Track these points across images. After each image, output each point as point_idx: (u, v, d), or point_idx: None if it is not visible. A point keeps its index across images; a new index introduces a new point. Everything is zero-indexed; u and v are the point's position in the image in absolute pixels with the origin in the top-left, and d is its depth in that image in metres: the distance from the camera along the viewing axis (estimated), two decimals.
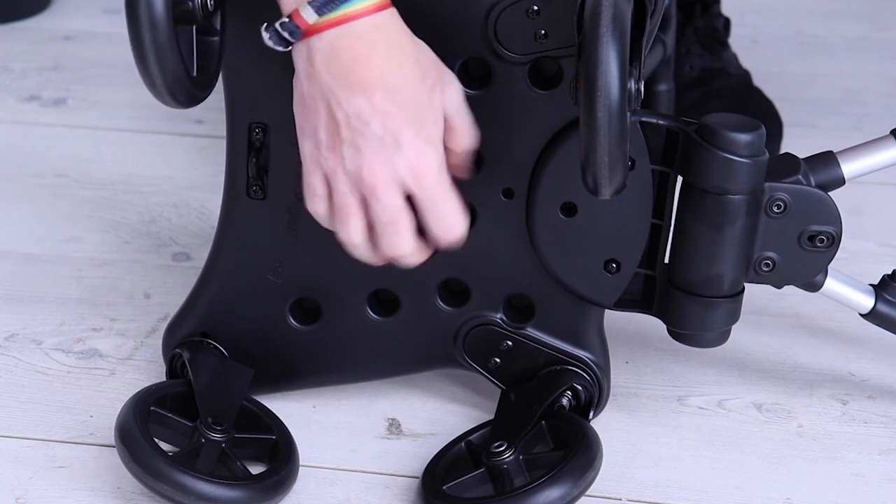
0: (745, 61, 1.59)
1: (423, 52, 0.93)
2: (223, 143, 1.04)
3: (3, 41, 1.74)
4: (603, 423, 1.07)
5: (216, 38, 0.96)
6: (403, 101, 0.90)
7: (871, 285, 1.07)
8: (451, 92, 0.94)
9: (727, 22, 1.54)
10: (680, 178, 1.00)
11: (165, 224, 1.36)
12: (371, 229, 0.95)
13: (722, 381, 1.15)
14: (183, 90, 0.92)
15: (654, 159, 0.99)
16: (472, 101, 0.98)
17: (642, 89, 0.92)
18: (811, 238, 1.00)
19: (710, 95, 1.48)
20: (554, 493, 0.96)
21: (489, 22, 0.96)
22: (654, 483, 1.04)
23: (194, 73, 0.94)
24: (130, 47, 0.90)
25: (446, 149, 0.94)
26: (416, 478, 1.03)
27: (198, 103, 0.95)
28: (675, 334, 1.04)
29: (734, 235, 0.98)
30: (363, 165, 0.91)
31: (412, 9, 0.95)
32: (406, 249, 0.95)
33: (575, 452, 0.98)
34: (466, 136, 0.95)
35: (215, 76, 0.97)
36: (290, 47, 0.91)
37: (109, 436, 1.01)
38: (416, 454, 1.06)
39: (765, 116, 1.45)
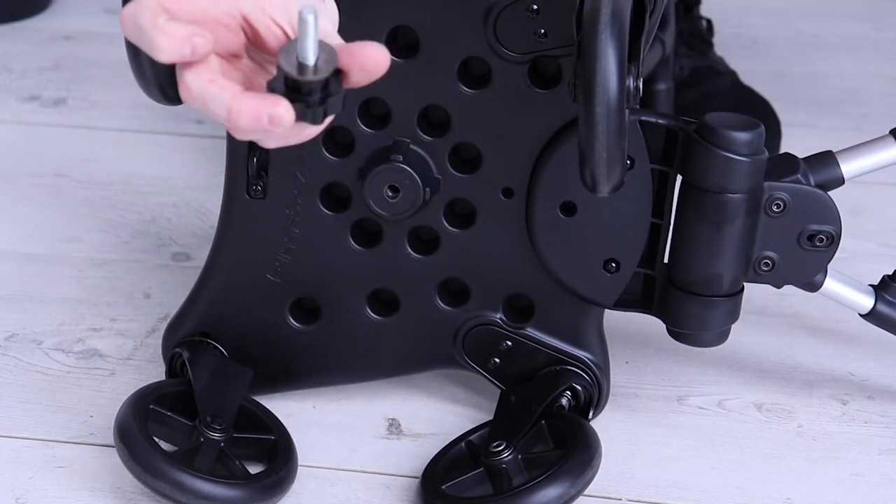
0: (745, 61, 1.59)
1: None
2: (223, 143, 1.04)
3: (3, 41, 1.74)
4: (603, 423, 1.07)
5: None
6: None
7: (871, 285, 1.07)
8: None
9: (710, 23, 1.55)
10: (679, 177, 1.00)
11: (165, 224, 1.36)
12: None
13: (722, 381, 1.15)
14: (172, 85, 0.92)
15: (654, 158, 0.99)
16: (472, 101, 0.99)
17: (641, 87, 0.92)
18: (811, 237, 1.00)
19: (708, 95, 1.48)
20: (551, 492, 0.96)
21: (489, 21, 0.96)
22: (654, 483, 1.04)
23: None
24: (124, 40, 0.90)
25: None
26: (416, 478, 1.03)
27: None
28: (674, 334, 1.04)
29: (733, 234, 0.98)
30: None
31: (412, 8, 0.95)
32: None
33: (573, 452, 0.98)
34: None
35: None
36: None
37: (109, 436, 1.01)
38: (416, 454, 1.06)
39: (762, 115, 1.45)
